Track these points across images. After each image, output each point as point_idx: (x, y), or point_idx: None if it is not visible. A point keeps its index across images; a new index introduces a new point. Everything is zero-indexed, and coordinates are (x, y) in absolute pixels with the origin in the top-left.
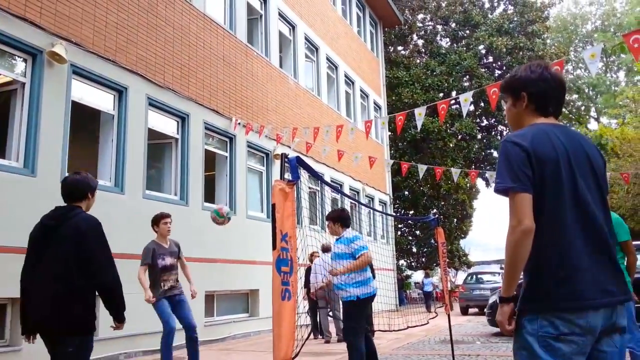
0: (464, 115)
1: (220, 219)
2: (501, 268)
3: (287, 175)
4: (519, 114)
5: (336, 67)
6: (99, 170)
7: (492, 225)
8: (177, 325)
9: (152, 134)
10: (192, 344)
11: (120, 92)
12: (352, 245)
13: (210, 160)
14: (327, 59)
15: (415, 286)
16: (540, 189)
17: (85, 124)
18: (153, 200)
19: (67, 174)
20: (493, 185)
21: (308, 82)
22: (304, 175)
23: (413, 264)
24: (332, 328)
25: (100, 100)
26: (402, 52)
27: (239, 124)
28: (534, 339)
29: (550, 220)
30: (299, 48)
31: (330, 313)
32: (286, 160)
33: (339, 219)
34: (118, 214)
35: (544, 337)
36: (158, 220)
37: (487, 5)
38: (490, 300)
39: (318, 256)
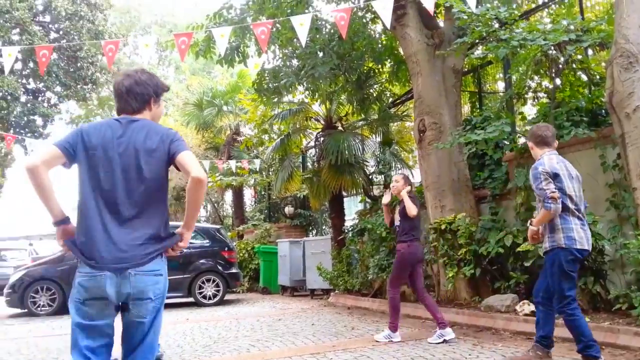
0: (7, 71)
1: None
2: (30, 244)
3: None
4: None
5: None
6: None
7: (25, 198)
8: None
9: None
10: None
11: None
12: None
13: None
14: None
15: None
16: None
17: None
18: None
19: None
20: (31, 153)
21: None
22: None
23: None
24: None
25: None
26: None
27: None
28: None
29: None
30: None
31: None
32: None
33: None
34: None
35: None
36: None
37: None
38: (11, 280)
39: None
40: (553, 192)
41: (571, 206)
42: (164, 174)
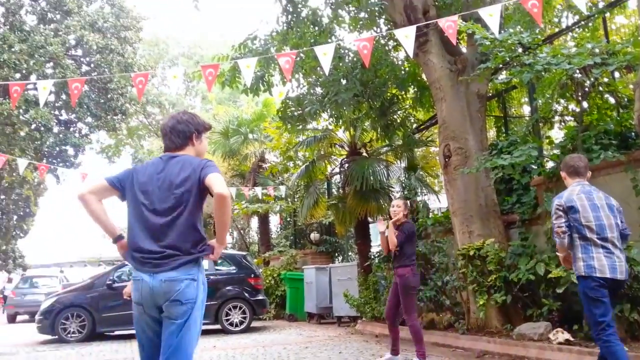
0: (42, 104)
1: None
2: (61, 271)
3: None
4: None
5: None
6: None
7: (57, 226)
8: None
9: None
10: None
11: None
12: None
13: None
14: None
15: None
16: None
17: None
18: None
19: None
20: (63, 182)
21: None
22: None
23: None
24: None
25: None
26: None
27: None
28: None
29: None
30: None
31: None
32: None
33: None
34: None
35: None
36: None
37: None
38: (43, 307)
39: None
40: (559, 226)
41: (591, 235)
42: (195, 200)
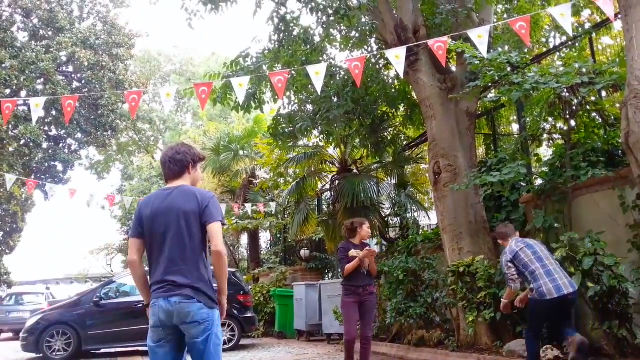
0: (34, 120)
1: None
2: (47, 288)
3: None
4: None
5: None
6: None
7: (44, 243)
8: None
9: None
10: None
11: None
12: None
13: None
14: None
15: None
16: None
17: None
18: None
19: None
20: (52, 198)
21: None
22: None
23: None
24: None
25: None
26: None
27: None
28: None
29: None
30: None
31: None
32: None
33: None
34: None
35: None
36: None
37: (76, 13)
38: (28, 324)
39: None
40: (512, 275)
41: (534, 267)
42: (199, 231)
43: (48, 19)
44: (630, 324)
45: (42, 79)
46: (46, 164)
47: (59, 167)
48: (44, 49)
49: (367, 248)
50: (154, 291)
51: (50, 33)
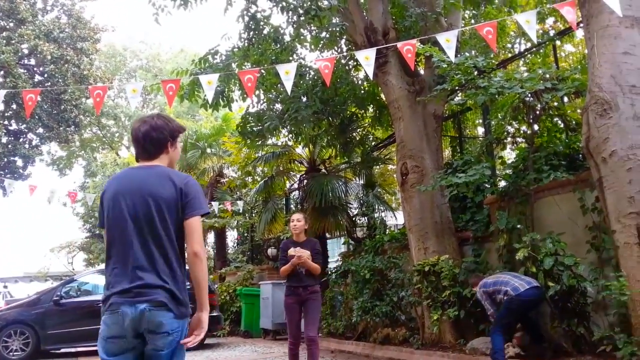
0: None
1: None
2: (5, 287)
3: None
4: None
5: None
6: None
7: (2, 239)
8: None
9: None
10: None
11: None
12: None
13: None
14: None
15: None
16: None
17: None
18: None
19: None
20: (10, 194)
21: None
22: None
23: None
24: None
25: None
26: None
27: None
28: None
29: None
30: None
31: None
32: None
33: None
34: None
35: None
36: None
37: (39, 5)
38: None
39: None
40: (488, 310)
41: (502, 277)
42: (174, 222)
43: (9, 10)
44: (587, 322)
45: (1, 72)
46: (5, 159)
47: (19, 162)
48: (4, 41)
49: (297, 253)
50: (116, 294)
51: (11, 24)
